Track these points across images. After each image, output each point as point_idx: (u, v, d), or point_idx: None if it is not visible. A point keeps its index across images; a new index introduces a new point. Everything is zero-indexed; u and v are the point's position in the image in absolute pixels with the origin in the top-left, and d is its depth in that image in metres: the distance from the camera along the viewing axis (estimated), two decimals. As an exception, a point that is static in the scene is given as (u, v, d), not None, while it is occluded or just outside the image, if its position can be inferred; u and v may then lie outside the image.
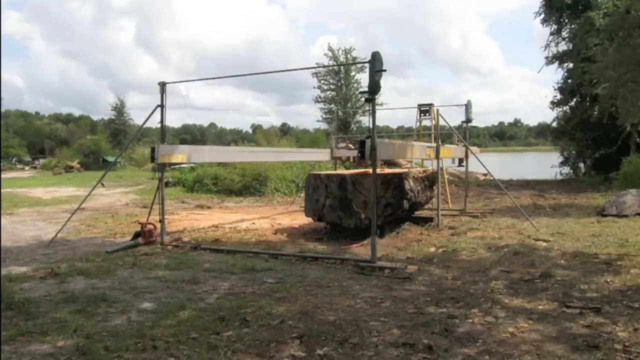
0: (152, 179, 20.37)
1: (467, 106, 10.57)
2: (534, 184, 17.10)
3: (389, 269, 5.28)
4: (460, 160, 10.46)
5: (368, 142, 5.52)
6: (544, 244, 6.46)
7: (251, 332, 3.46)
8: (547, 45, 19.30)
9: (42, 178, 28.96)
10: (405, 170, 8.14)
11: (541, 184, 16.82)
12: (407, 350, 3.16)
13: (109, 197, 14.88)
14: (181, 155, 7.63)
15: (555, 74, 29.79)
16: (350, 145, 13.94)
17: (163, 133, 7.46)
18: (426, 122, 11.10)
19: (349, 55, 34.06)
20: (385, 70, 5.82)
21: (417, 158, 8.77)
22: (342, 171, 9.70)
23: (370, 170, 5.89)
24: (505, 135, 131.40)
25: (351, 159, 11.30)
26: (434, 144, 8.29)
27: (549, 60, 19.32)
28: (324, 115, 34.52)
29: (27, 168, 47.19)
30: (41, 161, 48.37)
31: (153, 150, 6.86)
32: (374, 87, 5.51)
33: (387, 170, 7.88)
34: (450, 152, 9.18)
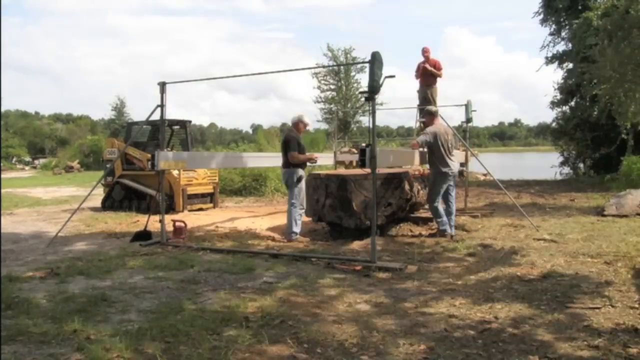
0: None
1: (467, 106, 10.55)
2: (533, 183, 17.08)
3: (388, 269, 5.28)
4: (462, 165, 10.45)
5: (368, 151, 5.51)
6: (544, 243, 6.46)
7: (251, 332, 3.47)
8: (547, 46, 19.33)
9: (42, 178, 28.98)
10: (406, 170, 8.13)
11: (541, 184, 16.81)
12: (407, 350, 3.16)
13: (109, 197, 14.86)
14: (181, 162, 7.68)
15: (555, 73, 29.74)
16: (354, 150, 13.94)
17: (163, 133, 7.46)
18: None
19: (348, 55, 34.11)
20: (393, 76, 5.82)
21: (417, 165, 8.77)
22: (341, 171, 9.69)
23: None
24: (505, 135, 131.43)
25: (354, 163, 11.33)
26: None
27: (549, 61, 19.34)
28: (324, 115, 34.58)
29: (27, 168, 47.20)
30: (41, 161, 48.34)
31: (153, 157, 6.89)
32: (374, 87, 5.50)
33: (387, 170, 7.89)
34: None
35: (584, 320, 3.65)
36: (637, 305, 3.94)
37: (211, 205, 11.58)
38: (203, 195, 11.47)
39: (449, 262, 5.70)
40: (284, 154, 7.31)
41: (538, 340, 3.28)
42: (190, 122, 12.46)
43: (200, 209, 11.21)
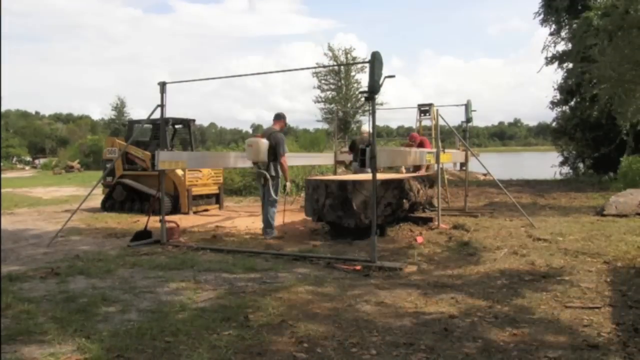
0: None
1: (467, 106, 10.57)
2: (533, 183, 17.11)
3: (388, 269, 5.28)
4: (462, 165, 10.46)
5: (368, 150, 5.51)
6: (544, 243, 6.46)
7: (251, 332, 3.47)
8: (547, 46, 19.34)
9: (42, 178, 28.98)
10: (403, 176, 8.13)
11: (541, 184, 16.83)
12: (408, 350, 3.16)
13: (109, 197, 14.86)
14: (181, 161, 7.67)
15: (555, 73, 29.73)
16: None
17: (163, 133, 7.47)
18: (426, 122, 11.12)
19: (349, 55, 34.06)
20: (394, 76, 5.84)
21: (417, 164, 8.80)
22: (339, 176, 9.65)
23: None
24: (505, 135, 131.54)
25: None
26: (434, 150, 8.27)
27: (549, 61, 19.35)
28: (324, 115, 34.53)
29: (27, 168, 47.21)
30: (41, 161, 48.40)
31: (153, 157, 6.88)
32: (374, 87, 5.51)
33: (387, 176, 7.93)
34: (451, 157, 9.16)
35: (584, 320, 3.65)
36: (637, 305, 3.94)
37: (217, 206, 11.45)
38: (208, 196, 11.28)
39: (448, 261, 5.70)
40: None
41: (538, 340, 3.28)
42: (194, 121, 12.25)
43: (206, 210, 11.13)
